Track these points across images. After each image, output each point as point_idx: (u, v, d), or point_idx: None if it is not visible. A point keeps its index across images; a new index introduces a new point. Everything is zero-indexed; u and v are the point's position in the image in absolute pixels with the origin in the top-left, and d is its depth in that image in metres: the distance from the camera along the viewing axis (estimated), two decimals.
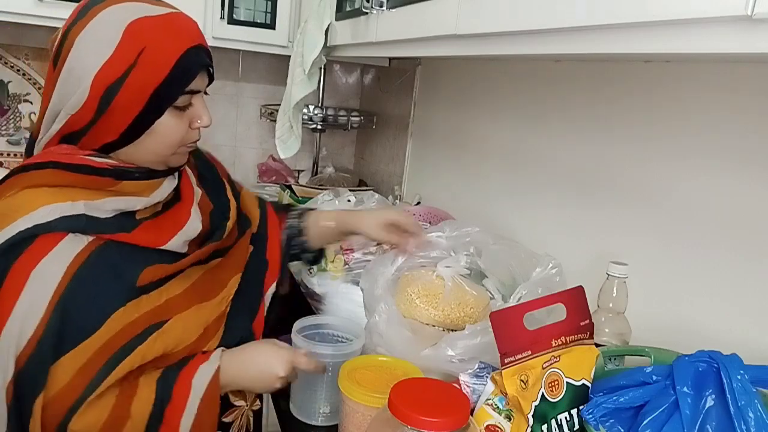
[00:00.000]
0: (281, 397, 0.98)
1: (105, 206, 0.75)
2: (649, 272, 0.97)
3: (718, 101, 0.88)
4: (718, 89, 0.87)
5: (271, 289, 0.98)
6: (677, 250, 0.94)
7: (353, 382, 0.82)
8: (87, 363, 0.72)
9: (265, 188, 2.18)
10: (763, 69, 0.80)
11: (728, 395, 0.60)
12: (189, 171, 0.90)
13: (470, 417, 0.63)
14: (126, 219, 0.77)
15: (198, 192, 0.89)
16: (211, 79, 0.83)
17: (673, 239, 0.95)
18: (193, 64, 0.77)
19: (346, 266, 1.29)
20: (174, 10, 0.79)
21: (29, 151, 0.81)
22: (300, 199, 1.68)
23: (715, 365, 0.63)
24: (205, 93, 0.83)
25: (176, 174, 0.85)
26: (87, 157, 0.76)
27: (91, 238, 0.74)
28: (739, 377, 0.61)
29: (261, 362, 0.83)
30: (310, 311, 1.26)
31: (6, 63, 2.04)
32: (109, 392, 0.74)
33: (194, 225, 0.84)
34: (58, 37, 0.76)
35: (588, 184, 1.13)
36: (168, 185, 0.83)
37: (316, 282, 1.29)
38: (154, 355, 0.77)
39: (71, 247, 0.73)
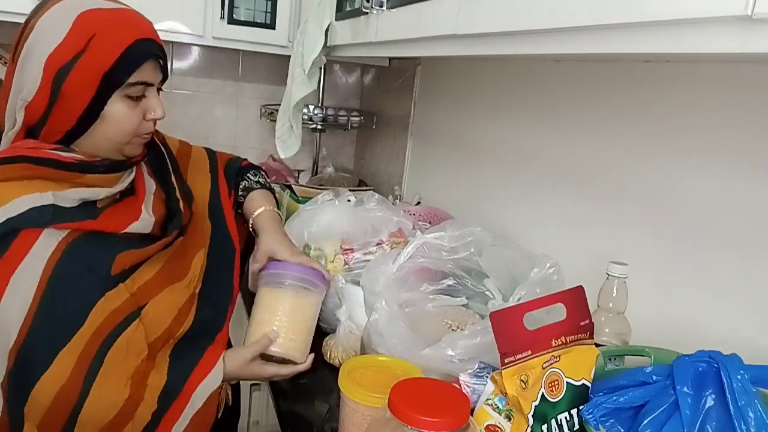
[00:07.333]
0: (281, 397, 0.97)
1: (72, 195, 0.79)
2: (649, 272, 0.97)
3: (717, 101, 0.88)
4: (717, 89, 0.87)
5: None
6: (677, 250, 0.94)
7: (353, 381, 0.82)
8: (82, 355, 0.75)
9: None
10: (763, 69, 0.80)
11: (728, 395, 0.60)
12: (143, 164, 0.94)
13: (470, 417, 0.63)
14: (90, 207, 0.81)
15: (151, 183, 0.93)
16: (165, 76, 0.86)
17: (673, 239, 0.94)
18: (143, 52, 0.80)
19: (346, 266, 1.29)
20: (128, 8, 0.83)
21: None
22: (300, 198, 1.68)
23: (715, 365, 0.63)
24: (160, 90, 0.86)
25: (134, 168, 0.89)
26: (53, 151, 0.79)
27: (63, 234, 0.77)
28: (739, 377, 0.61)
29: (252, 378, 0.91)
30: None
31: (6, 63, 2.04)
32: (120, 388, 0.77)
33: (147, 215, 0.87)
34: (19, 31, 0.79)
35: (588, 184, 1.13)
36: (127, 178, 0.87)
37: None
38: (139, 341, 0.80)
39: (46, 247, 0.76)
